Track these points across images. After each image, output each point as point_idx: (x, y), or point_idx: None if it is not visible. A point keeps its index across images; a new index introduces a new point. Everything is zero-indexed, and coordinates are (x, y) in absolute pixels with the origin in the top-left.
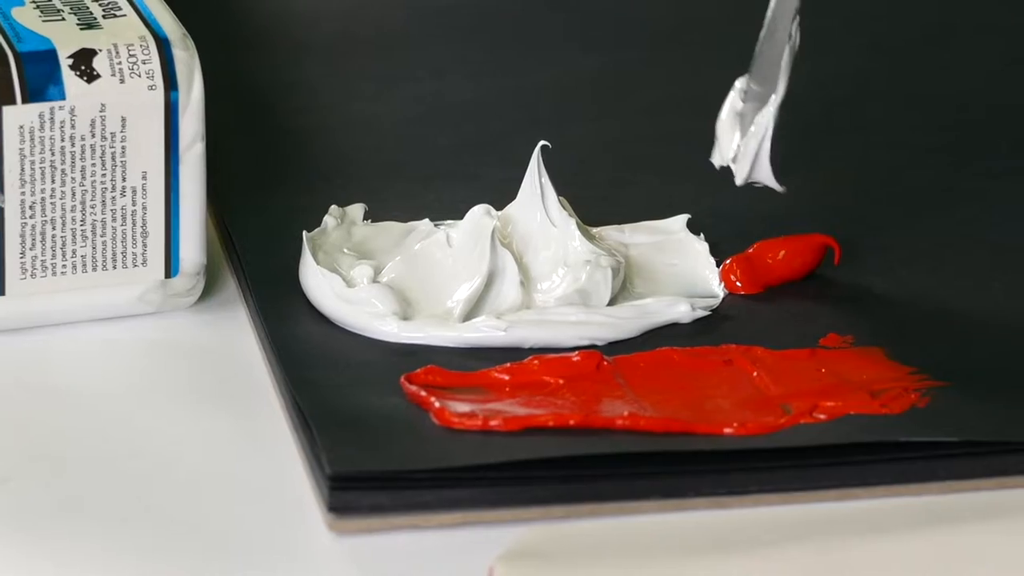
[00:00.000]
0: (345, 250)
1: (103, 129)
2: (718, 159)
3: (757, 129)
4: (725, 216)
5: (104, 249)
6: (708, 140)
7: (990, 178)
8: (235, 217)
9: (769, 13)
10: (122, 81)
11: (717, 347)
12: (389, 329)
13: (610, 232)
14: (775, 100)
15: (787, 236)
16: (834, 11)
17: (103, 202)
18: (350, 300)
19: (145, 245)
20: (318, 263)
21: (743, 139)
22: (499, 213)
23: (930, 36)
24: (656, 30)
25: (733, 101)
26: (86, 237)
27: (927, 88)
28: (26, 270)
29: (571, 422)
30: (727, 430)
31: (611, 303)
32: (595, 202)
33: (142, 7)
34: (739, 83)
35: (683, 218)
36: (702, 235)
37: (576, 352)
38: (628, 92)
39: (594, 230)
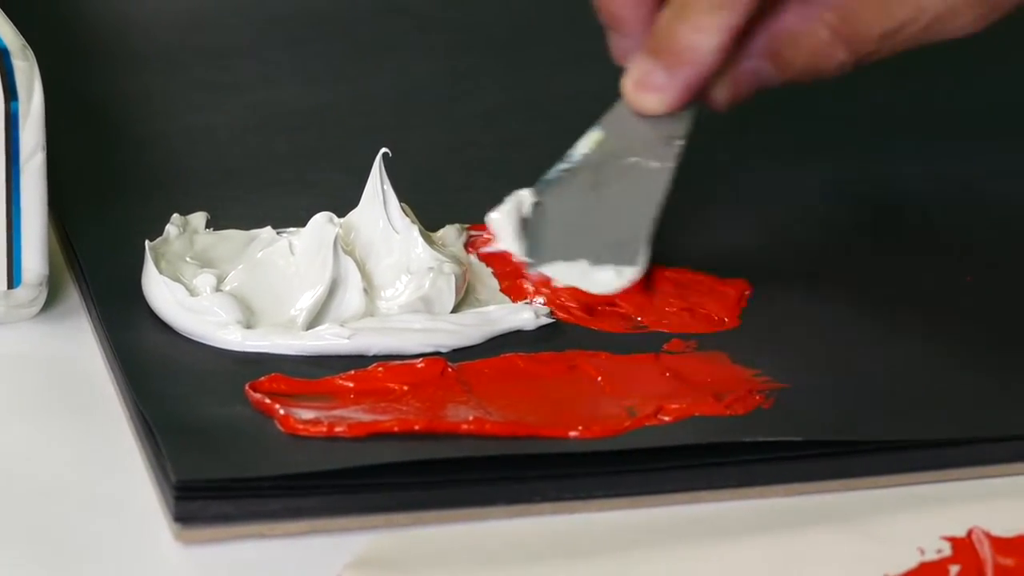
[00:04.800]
0: (188, 259)
1: None
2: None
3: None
4: None
5: None
6: (545, 144)
7: (834, 178)
8: (77, 227)
9: (585, 149)
10: None
11: (561, 353)
12: (233, 338)
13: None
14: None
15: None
16: None
17: None
18: (193, 309)
19: None
20: (161, 272)
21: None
22: (341, 220)
23: None
24: (490, 36)
25: (517, 207)
26: None
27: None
28: None
29: (416, 427)
30: (572, 434)
31: (455, 310)
32: (436, 208)
33: None
34: (525, 193)
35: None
36: None
37: (420, 359)
38: (464, 98)
39: (438, 232)
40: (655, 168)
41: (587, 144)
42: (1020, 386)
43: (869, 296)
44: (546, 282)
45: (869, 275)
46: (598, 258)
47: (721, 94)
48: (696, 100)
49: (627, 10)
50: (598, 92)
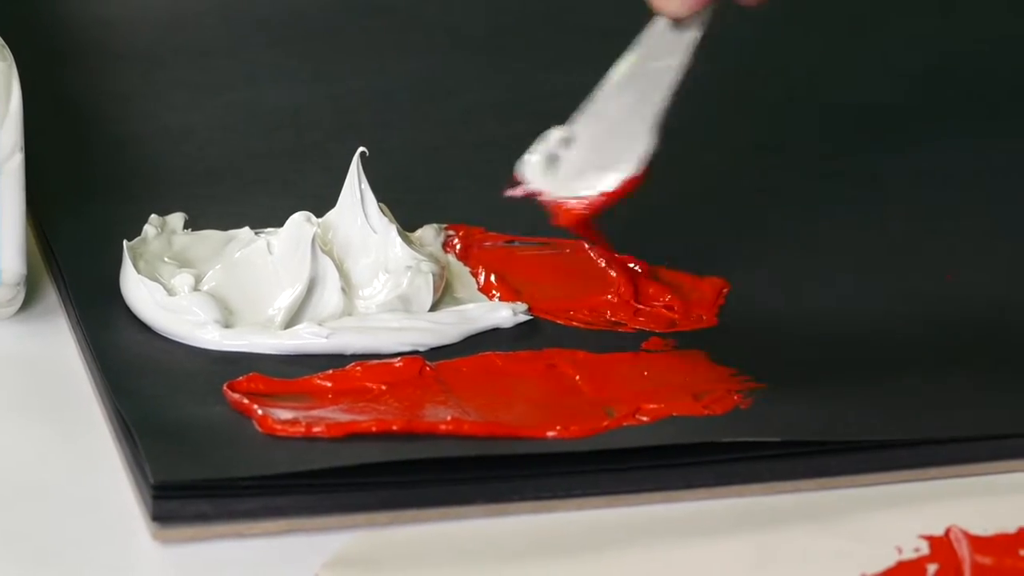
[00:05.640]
0: (166, 259)
1: None
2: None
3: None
4: (545, 221)
5: None
6: (524, 143)
7: (813, 179)
8: (55, 227)
9: (616, 73)
10: None
11: (539, 351)
12: (211, 337)
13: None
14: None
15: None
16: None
17: None
18: (171, 309)
19: None
20: (139, 272)
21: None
22: (319, 220)
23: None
24: (469, 36)
25: (545, 146)
26: None
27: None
28: None
29: (394, 428)
30: (550, 433)
31: (433, 309)
32: (414, 207)
33: None
34: (555, 131)
35: None
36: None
37: (398, 358)
38: (443, 98)
39: (416, 232)
40: (667, 65)
41: (620, 66)
42: (997, 385)
43: (848, 295)
44: (562, 205)
45: (848, 273)
46: (603, 163)
47: None
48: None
49: None
50: (578, 92)
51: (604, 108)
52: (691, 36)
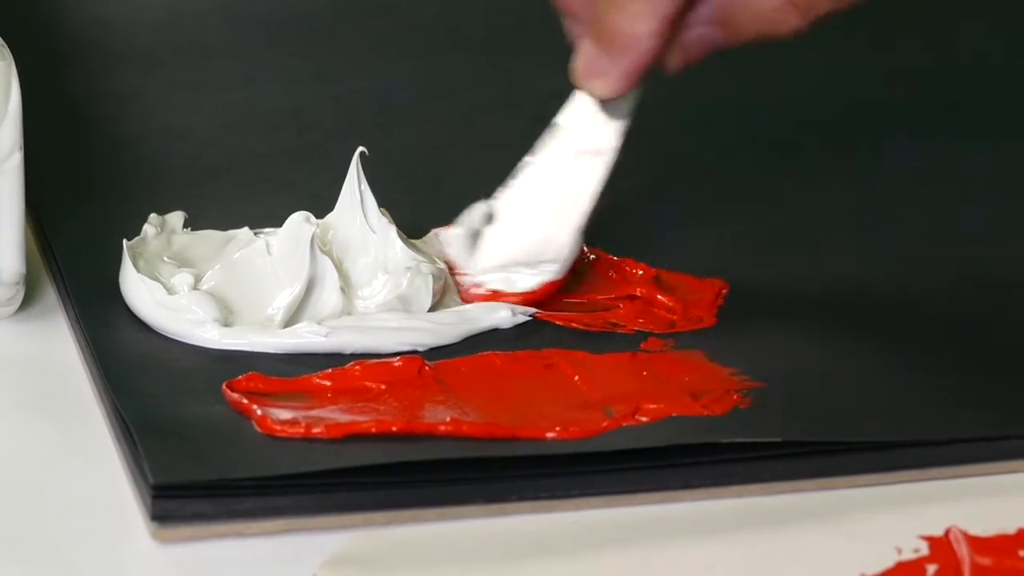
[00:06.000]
0: (165, 258)
1: None
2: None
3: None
4: None
5: None
6: (523, 144)
7: (812, 178)
8: (54, 226)
9: (544, 145)
10: None
11: (538, 351)
12: (210, 336)
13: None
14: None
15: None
16: None
17: None
18: (171, 307)
19: None
20: (138, 271)
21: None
22: (319, 220)
23: None
24: (469, 36)
25: (469, 220)
26: None
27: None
28: None
29: (393, 428)
30: (549, 434)
31: (432, 310)
32: (414, 208)
33: None
34: (479, 206)
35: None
36: None
37: (398, 357)
38: (443, 98)
39: (425, 237)
40: (597, 151)
41: (544, 143)
42: (997, 386)
43: (848, 294)
44: (477, 288)
45: (848, 273)
46: (527, 259)
47: (672, 60)
48: (645, 79)
49: None
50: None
51: (530, 191)
52: (621, 122)
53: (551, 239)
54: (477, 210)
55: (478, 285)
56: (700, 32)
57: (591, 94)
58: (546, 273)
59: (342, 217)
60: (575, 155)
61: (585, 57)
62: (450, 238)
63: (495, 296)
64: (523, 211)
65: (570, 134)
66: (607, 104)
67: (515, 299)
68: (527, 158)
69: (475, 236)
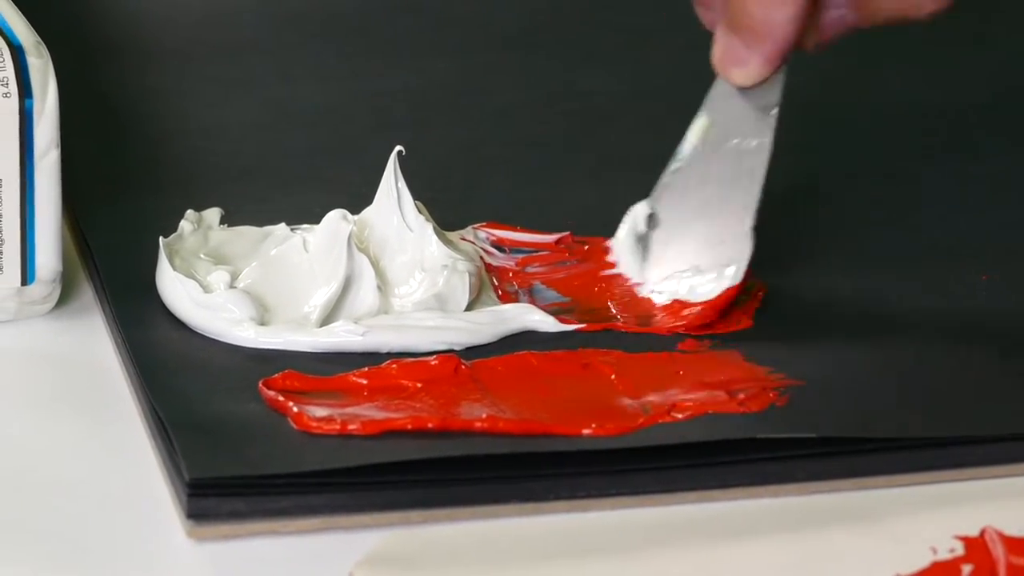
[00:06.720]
0: (202, 255)
1: None
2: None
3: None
4: (582, 219)
5: None
6: (559, 142)
7: (850, 179)
8: (91, 223)
9: (694, 140)
10: None
11: (575, 351)
12: (246, 335)
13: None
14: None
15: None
16: None
17: None
18: (207, 306)
19: (1, 252)
20: (175, 269)
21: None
22: (355, 218)
23: None
24: (505, 34)
25: (633, 225)
26: None
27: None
28: None
29: (429, 425)
30: (585, 431)
31: (469, 308)
32: (451, 205)
33: None
34: (640, 208)
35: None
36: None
37: (434, 356)
38: (480, 95)
39: (459, 231)
40: (755, 147)
41: (694, 134)
42: None
43: (884, 294)
44: (658, 296)
45: (884, 272)
46: (702, 264)
47: (809, 40)
48: (785, 64)
49: None
50: (613, 90)
51: (687, 188)
52: (771, 115)
53: (726, 240)
54: (637, 211)
55: (658, 294)
56: (834, 14)
57: (732, 83)
58: (726, 278)
59: (379, 215)
60: (732, 149)
61: (723, 46)
62: (616, 245)
63: (677, 305)
64: (689, 212)
65: (721, 128)
66: (752, 92)
67: (698, 308)
68: (678, 156)
69: (642, 240)
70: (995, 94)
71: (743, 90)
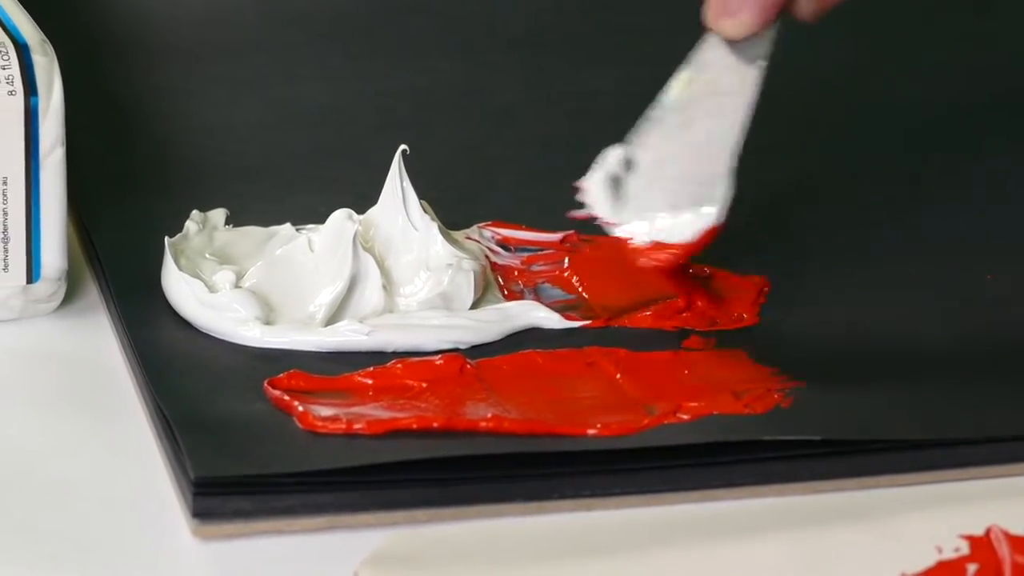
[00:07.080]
0: (207, 255)
1: None
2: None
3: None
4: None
5: None
6: (563, 141)
7: (854, 179)
8: (96, 222)
9: (676, 89)
10: None
11: (580, 349)
12: (252, 334)
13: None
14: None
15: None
16: None
17: None
18: (212, 305)
19: (6, 251)
20: (180, 268)
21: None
22: (360, 217)
23: None
24: (510, 34)
25: (606, 167)
26: None
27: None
28: None
29: (435, 424)
30: (591, 431)
31: (474, 307)
32: (455, 205)
33: (0, 13)
34: (615, 151)
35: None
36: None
37: (439, 355)
38: (484, 95)
39: (464, 231)
40: (737, 90)
41: (676, 86)
42: None
43: (889, 293)
44: (630, 240)
45: (889, 272)
46: (679, 204)
47: (807, 6)
48: (777, 19)
49: None
50: (617, 89)
51: (667, 133)
52: (756, 66)
53: (703, 182)
54: (612, 155)
55: (636, 235)
56: None
57: (724, 35)
58: (705, 218)
59: (384, 214)
60: (713, 97)
61: (716, 1)
62: (588, 186)
63: (657, 247)
64: (665, 155)
65: (705, 78)
66: (741, 46)
67: (678, 249)
68: (657, 103)
69: (616, 183)
70: (995, 94)
71: (732, 44)
